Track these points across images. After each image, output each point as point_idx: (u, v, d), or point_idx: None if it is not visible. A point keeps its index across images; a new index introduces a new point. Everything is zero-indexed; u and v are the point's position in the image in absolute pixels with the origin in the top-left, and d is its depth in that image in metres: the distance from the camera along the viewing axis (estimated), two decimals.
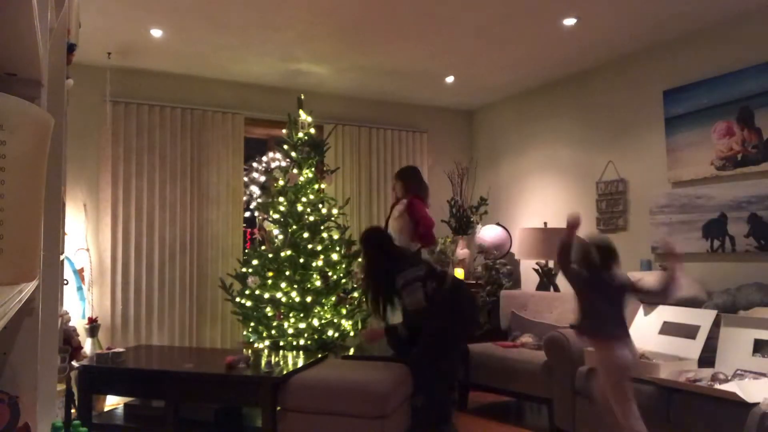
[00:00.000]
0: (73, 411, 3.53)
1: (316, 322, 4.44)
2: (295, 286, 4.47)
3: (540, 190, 5.61)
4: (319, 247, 4.61)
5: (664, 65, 4.48)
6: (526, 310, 4.74)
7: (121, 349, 3.88)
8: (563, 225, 5.25)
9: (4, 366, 0.96)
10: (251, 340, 4.57)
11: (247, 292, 4.56)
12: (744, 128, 3.88)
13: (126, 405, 4.06)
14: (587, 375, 3.43)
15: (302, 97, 5.06)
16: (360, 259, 4.34)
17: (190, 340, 5.06)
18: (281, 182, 4.80)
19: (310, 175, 4.83)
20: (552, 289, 5.05)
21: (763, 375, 2.95)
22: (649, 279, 3.05)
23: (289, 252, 4.51)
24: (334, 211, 4.87)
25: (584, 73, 5.17)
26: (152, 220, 4.99)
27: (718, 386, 2.89)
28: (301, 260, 4.52)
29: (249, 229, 5.62)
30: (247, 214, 5.50)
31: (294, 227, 4.61)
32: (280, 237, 4.68)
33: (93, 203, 4.87)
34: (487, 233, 5.73)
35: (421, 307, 3.59)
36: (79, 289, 4.66)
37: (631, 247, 4.65)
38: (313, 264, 4.55)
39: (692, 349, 3.37)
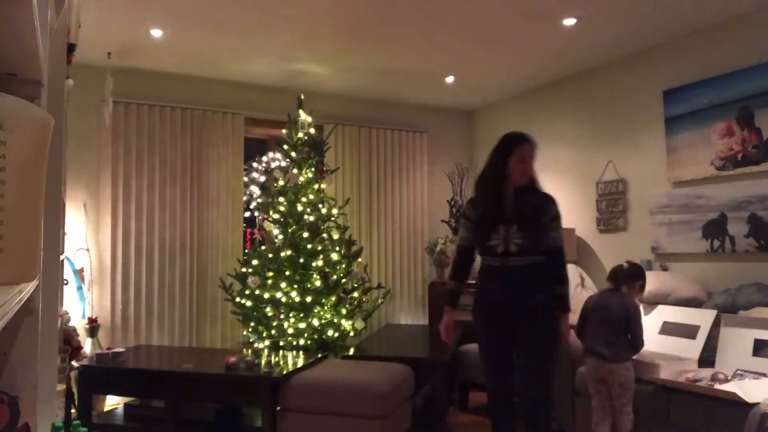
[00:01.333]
0: (73, 411, 3.53)
1: (316, 322, 4.44)
2: (295, 286, 4.47)
3: None
4: (319, 247, 4.61)
5: (664, 65, 4.48)
6: None
7: (121, 349, 3.88)
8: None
9: (4, 366, 0.96)
10: (251, 340, 4.58)
11: (247, 292, 4.56)
12: (744, 128, 3.88)
13: (126, 405, 4.06)
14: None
15: (302, 97, 5.06)
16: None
17: (190, 340, 5.06)
18: (281, 182, 4.81)
19: (310, 175, 4.83)
20: None
21: (763, 375, 2.95)
22: None
23: (289, 252, 4.51)
24: (334, 211, 4.87)
25: (584, 73, 5.16)
26: (152, 220, 4.98)
27: (718, 386, 2.89)
28: (301, 260, 4.52)
29: (249, 229, 5.62)
30: (247, 214, 5.50)
31: (294, 227, 4.61)
32: (280, 237, 4.68)
33: (93, 203, 4.87)
34: None
35: None
36: (79, 289, 4.65)
37: (631, 247, 4.66)
38: (313, 264, 4.55)
39: (692, 349, 3.37)
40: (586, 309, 3.23)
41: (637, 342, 3.09)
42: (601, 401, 3.14)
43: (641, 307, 3.24)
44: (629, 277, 3.21)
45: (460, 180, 6.18)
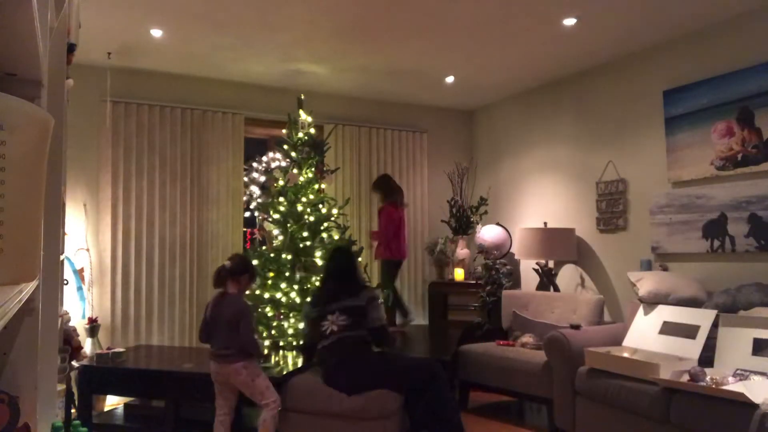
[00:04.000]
0: (73, 411, 3.53)
1: None
2: (295, 287, 4.47)
3: (540, 190, 5.61)
4: (318, 252, 4.61)
5: (664, 65, 4.48)
6: (528, 310, 4.75)
7: (121, 349, 3.89)
8: (563, 225, 5.29)
9: (4, 366, 0.96)
10: None
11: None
12: (744, 128, 3.88)
13: (126, 405, 4.06)
14: None
15: (302, 97, 5.07)
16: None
17: (190, 340, 5.06)
18: (281, 182, 4.81)
19: (310, 175, 4.83)
20: (552, 289, 5.05)
21: (763, 374, 2.95)
22: None
23: (289, 257, 4.51)
24: (334, 211, 4.87)
25: (584, 73, 5.17)
26: (152, 220, 4.98)
27: (724, 386, 2.89)
28: (303, 259, 4.51)
29: (249, 229, 5.62)
30: (247, 214, 5.50)
31: (294, 227, 4.61)
32: (280, 237, 4.67)
33: (93, 203, 4.87)
34: (487, 233, 5.73)
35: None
36: (79, 289, 4.66)
37: (631, 247, 4.66)
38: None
39: (692, 349, 3.37)
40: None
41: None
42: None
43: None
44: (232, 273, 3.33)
45: (460, 180, 6.18)
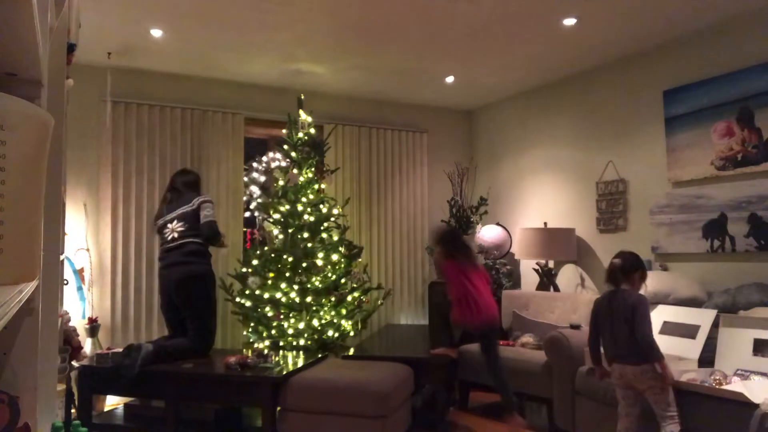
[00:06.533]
0: (73, 411, 3.53)
1: (316, 322, 4.44)
2: (295, 287, 4.47)
3: (540, 190, 5.61)
4: (321, 254, 4.61)
5: (664, 65, 4.48)
6: (528, 310, 4.75)
7: (121, 349, 3.88)
8: (563, 225, 5.28)
9: (4, 366, 0.96)
10: (251, 340, 4.58)
11: (247, 292, 4.56)
12: (744, 128, 3.88)
13: (126, 405, 4.06)
14: None
15: (302, 97, 5.07)
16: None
17: None
18: (281, 182, 4.81)
19: (310, 175, 4.83)
20: (552, 289, 5.05)
21: (763, 374, 2.95)
22: None
23: (290, 258, 4.51)
24: (334, 211, 4.87)
25: (584, 73, 5.17)
26: (152, 220, 4.98)
27: (725, 386, 2.88)
28: (304, 264, 4.50)
29: (249, 229, 5.62)
30: (247, 214, 5.50)
31: (294, 227, 4.61)
32: (280, 237, 4.68)
33: (93, 203, 4.87)
34: (487, 233, 5.73)
35: None
36: (79, 289, 4.65)
37: (631, 248, 4.64)
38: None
39: (692, 349, 3.37)
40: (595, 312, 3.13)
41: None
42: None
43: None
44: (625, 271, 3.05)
45: (460, 180, 6.18)
